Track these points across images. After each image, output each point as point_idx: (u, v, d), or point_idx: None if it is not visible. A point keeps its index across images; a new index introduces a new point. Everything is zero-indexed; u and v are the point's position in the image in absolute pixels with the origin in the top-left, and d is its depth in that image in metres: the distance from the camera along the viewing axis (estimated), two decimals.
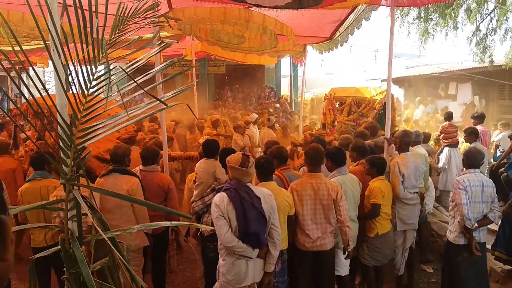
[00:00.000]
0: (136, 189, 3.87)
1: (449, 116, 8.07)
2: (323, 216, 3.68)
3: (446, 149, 7.03)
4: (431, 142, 8.21)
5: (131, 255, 3.90)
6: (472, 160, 3.89)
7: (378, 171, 4.25)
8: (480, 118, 7.80)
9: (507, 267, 4.61)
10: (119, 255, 1.83)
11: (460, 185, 3.78)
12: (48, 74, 15.77)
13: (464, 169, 4.05)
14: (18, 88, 1.83)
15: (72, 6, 1.86)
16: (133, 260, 3.96)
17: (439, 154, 7.19)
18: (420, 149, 5.33)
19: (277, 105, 15.48)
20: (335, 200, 3.63)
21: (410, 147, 4.85)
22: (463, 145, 7.19)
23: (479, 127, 7.49)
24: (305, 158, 3.86)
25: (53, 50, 1.94)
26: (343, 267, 4.00)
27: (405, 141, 4.55)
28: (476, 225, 3.71)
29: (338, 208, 3.65)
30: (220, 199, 3.03)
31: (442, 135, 7.35)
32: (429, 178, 5.57)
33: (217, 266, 3.23)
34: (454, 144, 7.02)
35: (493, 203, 3.82)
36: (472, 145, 6.49)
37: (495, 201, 3.85)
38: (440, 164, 7.01)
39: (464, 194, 3.73)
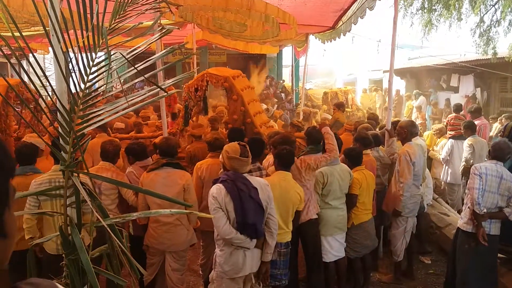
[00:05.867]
0: (190, 184, 3.82)
1: (457, 109, 8.07)
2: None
3: (449, 141, 6.99)
4: (426, 133, 8.22)
5: (179, 254, 3.85)
6: (497, 153, 3.86)
7: (352, 162, 4.31)
8: (477, 112, 7.77)
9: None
10: (119, 242, 1.83)
11: (476, 170, 3.78)
12: (48, 61, 15.68)
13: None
14: (18, 74, 1.82)
15: None
16: (180, 259, 3.88)
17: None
18: (419, 140, 5.34)
19: (282, 94, 15.19)
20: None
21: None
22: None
23: (477, 121, 7.47)
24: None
25: (53, 35, 1.93)
26: (327, 253, 4.07)
27: (411, 132, 4.58)
28: (484, 210, 3.68)
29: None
30: (217, 190, 3.01)
31: (448, 127, 7.34)
32: (427, 169, 5.58)
33: (214, 256, 3.24)
34: (458, 136, 6.99)
35: (511, 198, 3.76)
36: (472, 138, 6.46)
37: None
38: (442, 156, 7.00)
39: (478, 179, 3.71)
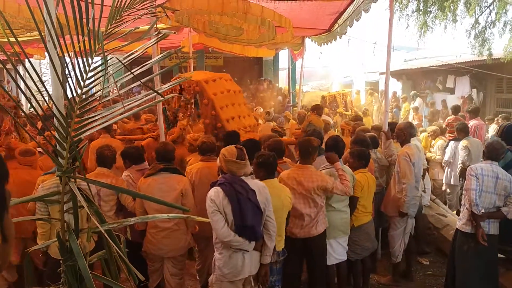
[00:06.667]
0: (188, 189, 3.80)
1: (456, 110, 8.09)
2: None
3: (451, 143, 7.01)
4: (423, 135, 8.26)
5: (178, 259, 3.84)
6: (492, 153, 3.89)
7: (362, 163, 4.32)
8: (474, 112, 7.81)
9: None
10: (116, 248, 1.83)
11: (472, 171, 3.81)
12: (45, 66, 15.65)
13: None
14: (14, 80, 1.81)
15: None
16: (178, 264, 3.88)
17: (445, 148, 7.20)
18: (415, 141, 5.37)
19: (280, 97, 15.20)
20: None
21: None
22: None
23: (473, 121, 7.52)
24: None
25: (49, 41, 1.92)
26: (329, 256, 4.05)
27: (410, 133, 4.62)
28: (482, 210, 3.69)
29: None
30: (215, 193, 3.01)
31: (448, 129, 7.36)
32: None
33: (213, 259, 3.23)
34: (458, 138, 7.02)
35: (508, 197, 3.76)
36: (465, 140, 6.47)
37: None
38: (446, 158, 7.02)
39: (474, 180, 3.74)
